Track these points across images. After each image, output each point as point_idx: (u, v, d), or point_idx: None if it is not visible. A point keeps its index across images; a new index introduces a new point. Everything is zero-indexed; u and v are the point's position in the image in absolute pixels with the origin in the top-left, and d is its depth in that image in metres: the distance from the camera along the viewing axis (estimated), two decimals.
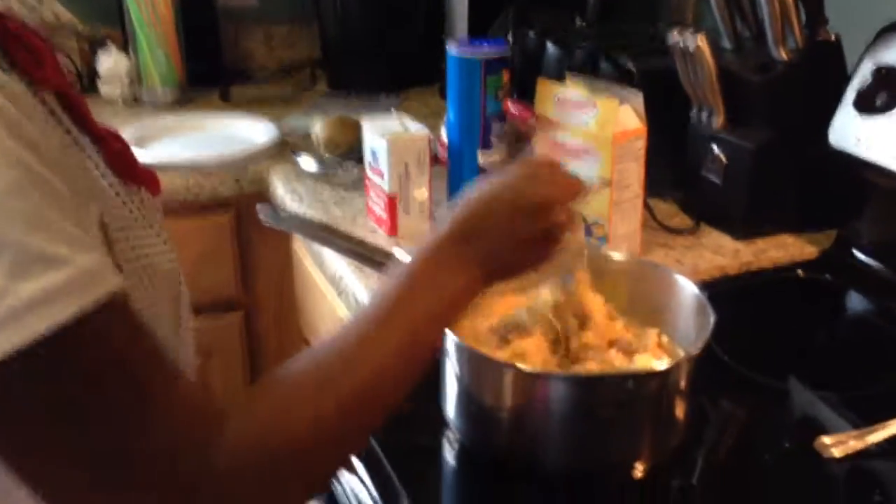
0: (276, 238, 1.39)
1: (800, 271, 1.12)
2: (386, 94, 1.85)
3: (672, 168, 1.27)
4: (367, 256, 0.89)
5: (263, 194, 1.44)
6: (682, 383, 0.74)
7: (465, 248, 0.66)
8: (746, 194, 1.18)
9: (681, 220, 1.25)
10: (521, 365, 0.73)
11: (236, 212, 1.47)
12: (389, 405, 0.61)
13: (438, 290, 0.65)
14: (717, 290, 1.09)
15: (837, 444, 0.79)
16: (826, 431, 0.80)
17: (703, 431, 0.80)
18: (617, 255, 0.90)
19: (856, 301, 1.07)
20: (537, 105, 1.15)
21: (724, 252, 1.16)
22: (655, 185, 1.17)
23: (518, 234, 0.68)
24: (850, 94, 1.08)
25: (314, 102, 1.80)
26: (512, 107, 1.26)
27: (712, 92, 1.19)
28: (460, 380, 0.78)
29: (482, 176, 0.71)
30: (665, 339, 0.82)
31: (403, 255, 1.11)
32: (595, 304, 0.85)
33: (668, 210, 1.27)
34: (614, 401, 0.71)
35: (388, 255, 0.88)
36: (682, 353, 0.81)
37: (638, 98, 1.09)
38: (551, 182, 0.70)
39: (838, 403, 0.86)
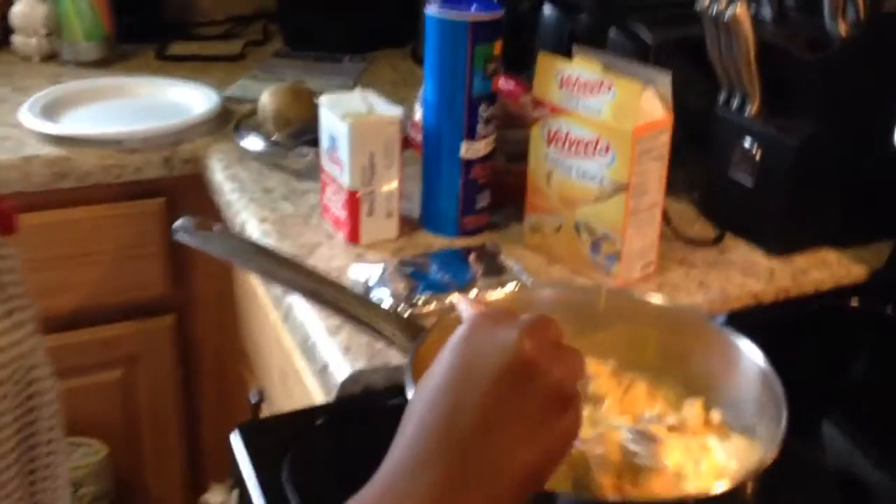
0: None
1: (854, 300, 0.92)
2: (350, 57, 1.61)
3: (690, 163, 1.05)
4: (328, 299, 0.66)
5: (199, 178, 1.20)
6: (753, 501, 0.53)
7: (472, 462, 0.41)
8: (785, 200, 0.97)
9: (700, 227, 1.04)
10: None
11: (168, 198, 1.23)
12: None
13: None
14: (751, 323, 0.89)
15: None
16: None
17: None
18: (649, 298, 0.68)
19: None
20: (536, 85, 0.92)
21: (757, 273, 0.95)
22: (668, 183, 0.95)
23: (545, 423, 0.43)
24: None
25: (265, 64, 1.55)
26: (502, 83, 1.03)
27: (748, 72, 0.97)
28: None
29: (450, 344, 0.46)
30: (715, 415, 0.62)
31: (360, 275, 0.89)
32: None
33: (684, 214, 1.06)
34: None
35: (359, 303, 0.66)
36: (735, 436, 0.60)
37: (665, 80, 0.86)
38: (561, 356, 0.46)
39: None
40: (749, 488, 0.52)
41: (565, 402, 0.44)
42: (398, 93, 1.42)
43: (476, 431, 0.41)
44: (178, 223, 0.69)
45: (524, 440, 0.42)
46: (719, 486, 0.50)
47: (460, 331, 0.46)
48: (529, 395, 0.43)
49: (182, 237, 0.69)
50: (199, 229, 0.69)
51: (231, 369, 1.31)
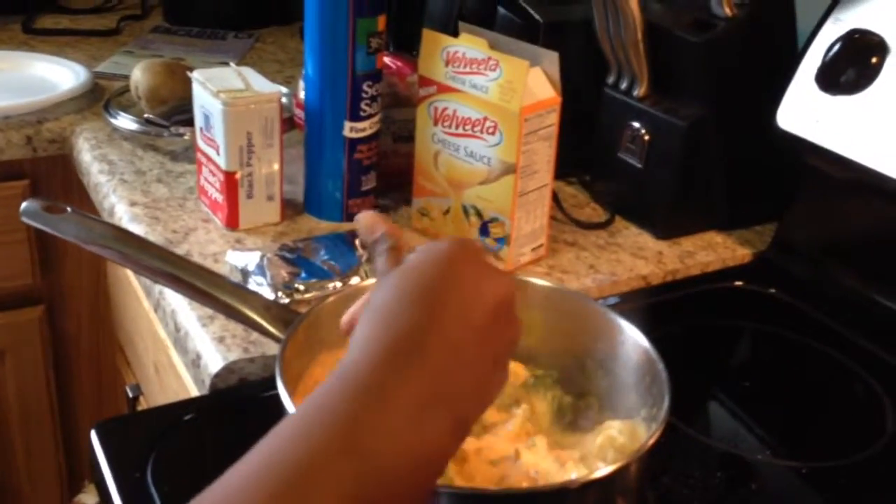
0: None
1: (739, 282, 0.92)
2: (236, 34, 1.54)
3: (580, 146, 1.04)
4: (195, 287, 0.61)
5: (67, 159, 1.12)
6: (631, 488, 0.52)
7: (428, 381, 0.40)
8: (673, 182, 0.97)
9: (592, 210, 1.03)
10: None
11: (32, 180, 1.14)
12: None
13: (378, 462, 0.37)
14: (639, 307, 0.89)
15: None
16: None
17: None
18: (534, 281, 0.66)
19: (807, 322, 0.88)
20: (421, 62, 0.89)
21: (646, 255, 0.94)
22: (559, 165, 0.93)
23: (491, 347, 0.44)
24: (810, 64, 0.87)
25: (142, 39, 1.46)
26: (389, 61, 0.99)
27: (636, 53, 0.96)
28: None
29: (396, 271, 0.45)
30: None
31: (238, 261, 0.85)
32: None
33: (576, 198, 1.05)
34: None
35: (229, 291, 0.61)
36: (618, 419, 0.59)
37: (552, 60, 0.84)
38: (496, 275, 0.46)
39: (819, 480, 0.66)
40: (632, 470, 0.50)
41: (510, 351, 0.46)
42: (285, 72, 1.37)
43: (463, 348, 0.42)
44: (25, 205, 0.63)
45: (488, 371, 0.44)
46: (603, 470, 0.48)
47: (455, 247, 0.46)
48: (513, 329, 0.46)
49: (30, 220, 0.63)
50: (48, 211, 0.62)
51: (107, 363, 1.24)
